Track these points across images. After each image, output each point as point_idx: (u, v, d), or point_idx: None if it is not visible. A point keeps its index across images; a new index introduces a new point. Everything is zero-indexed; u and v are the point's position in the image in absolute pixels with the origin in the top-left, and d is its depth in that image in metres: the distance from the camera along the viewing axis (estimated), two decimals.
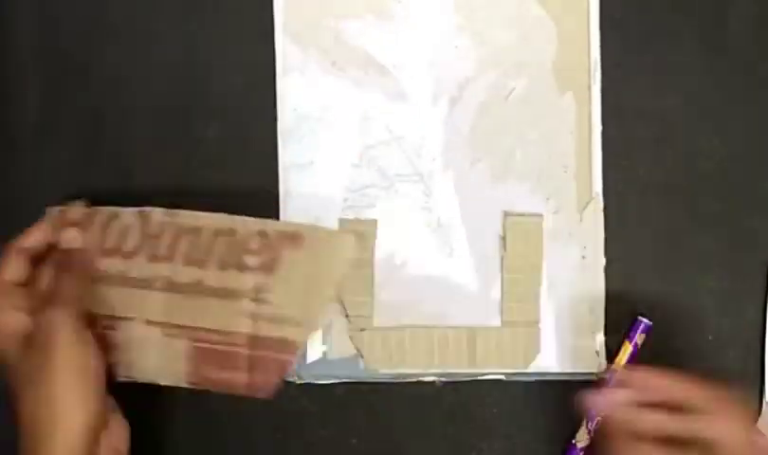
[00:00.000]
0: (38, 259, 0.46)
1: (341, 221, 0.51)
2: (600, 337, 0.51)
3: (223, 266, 0.46)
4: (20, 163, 0.51)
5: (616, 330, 0.51)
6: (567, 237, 0.51)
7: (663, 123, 0.52)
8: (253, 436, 0.51)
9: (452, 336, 0.51)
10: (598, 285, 0.51)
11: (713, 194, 0.52)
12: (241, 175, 0.51)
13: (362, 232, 0.51)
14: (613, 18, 0.52)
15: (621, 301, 0.51)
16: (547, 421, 0.52)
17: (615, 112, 0.52)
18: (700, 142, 0.52)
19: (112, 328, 0.47)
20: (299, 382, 0.51)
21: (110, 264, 0.47)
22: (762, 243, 0.52)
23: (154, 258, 0.47)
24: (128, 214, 0.48)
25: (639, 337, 0.51)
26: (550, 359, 0.51)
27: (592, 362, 0.51)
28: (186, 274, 0.47)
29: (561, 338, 0.51)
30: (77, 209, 0.48)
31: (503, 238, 0.51)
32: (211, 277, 0.46)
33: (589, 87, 0.51)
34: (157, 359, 0.47)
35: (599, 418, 0.51)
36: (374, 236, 0.51)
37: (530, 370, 0.51)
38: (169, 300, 0.47)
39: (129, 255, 0.47)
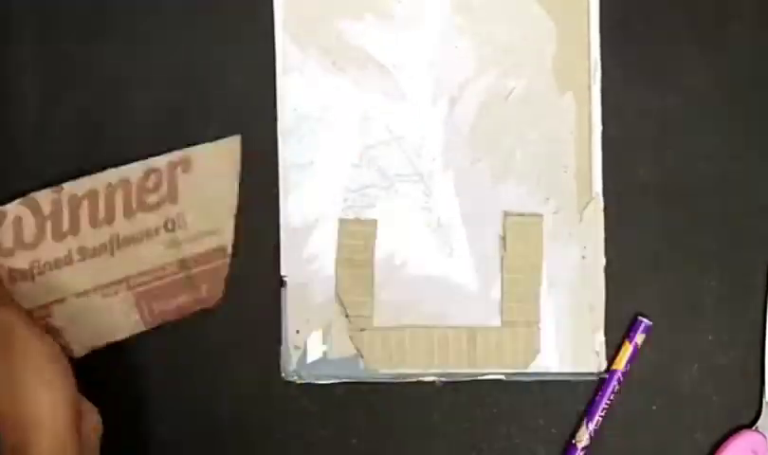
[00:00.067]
0: None
1: (341, 221, 0.51)
2: (600, 337, 0.51)
3: (129, 214, 0.49)
4: (20, 163, 0.51)
5: (616, 330, 0.51)
6: (567, 237, 0.51)
7: (663, 123, 0.52)
8: (253, 436, 0.51)
9: (452, 336, 0.51)
10: (598, 285, 0.51)
11: (713, 194, 0.52)
12: (241, 175, 0.51)
13: (362, 232, 0.51)
14: (613, 18, 0.52)
15: (621, 301, 0.51)
16: (547, 421, 0.52)
17: (615, 112, 0.52)
18: (700, 142, 0.52)
19: (48, 315, 0.48)
20: (299, 382, 0.51)
21: (16, 261, 0.48)
22: (762, 243, 0.52)
23: (60, 236, 0.48)
24: (13, 208, 0.48)
25: (639, 337, 0.51)
26: (550, 359, 0.51)
27: (592, 362, 0.51)
28: (97, 236, 0.49)
29: (561, 338, 0.51)
30: None
31: (503, 238, 0.51)
32: (123, 228, 0.49)
33: (589, 87, 0.51)
34: (107, 321, 0.49)
35: (599, 418, 0.51)
36: (374, 236, 0.51)
37: (530, 370, 0.51)
38: (92, 266, 0.48)
39: (32, 245, 0.48)
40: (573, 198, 0.51)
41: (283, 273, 0.51)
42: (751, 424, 0.52)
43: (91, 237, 0.49)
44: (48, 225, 0.48)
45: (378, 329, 0.51)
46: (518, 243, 0.51)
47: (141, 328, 0.49)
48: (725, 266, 0.52)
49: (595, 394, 0.51)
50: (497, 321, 0.51)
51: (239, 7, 0.51)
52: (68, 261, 0.48)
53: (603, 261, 0.51)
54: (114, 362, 0.50)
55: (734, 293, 0.52)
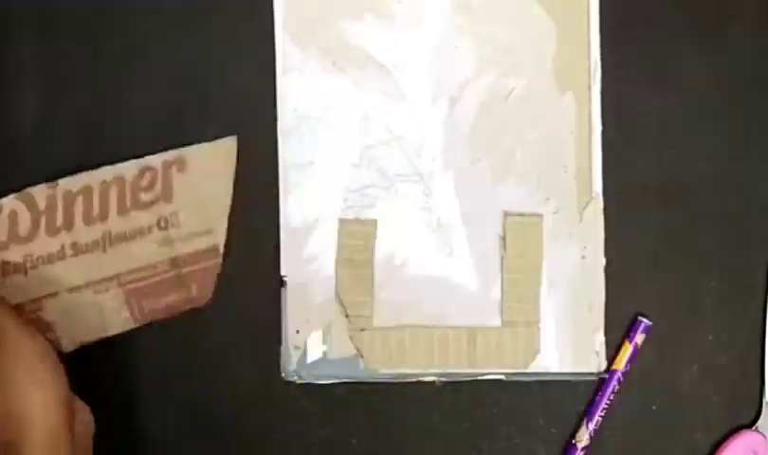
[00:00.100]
0: None
1: (341, 221, 0.51)
2: (600, 337, 0.51)
3: (123, 212, 0.49)
4: (20, 163, 0.51)
5: (616, 330, 0.51)
6: (567, 237, 0.51)
7: (663, 123, 0.52)
8: (253, 436, 0.51)
9: (452, 337, 0.51)
10: (598, 285, 0.51)
11: (713, 194, 0.52)
12: (241, 175, 0.51)
13: (362, 232, 0.51)
14: (613, 18, 0.52)
15: (621, 301, 0.51)
16: (547, 421, 0.52)
17: (615, 112, 0.52)
18: (700, 142, 0.52)
19: (39, 309, 0.48)
20: (299, 382, 0.51)
21: (10, 254, 0.48)
22: (762, 243, 0.52)
23: (54, 231, 0.48)
24: (8, 202, 0.49)
25: (639, 337, 0.51)
26: (550, 359, 0.51)
27: (592, 362, 0.51)
28: (90, 233, 0.49)
29: (561, 338, 0.51)
30: None
31: (503, 238, 0.51)
32: (116, 225, 0.49)
33: (589, 87, 0.51)
34: (97, 317, 0.49)
35: (599, 418, 0.51)
36: (375, 236, 0.51)
37: (530, 370, 0.51)
38: (84, 262, 0.49)
39: (26, 239, 0.48)
40: (573, 198, 0.51)
41: (282, 273, 0.51)
42: (751, 424, 0.52)
43: (84, 233, 0.49)
44: (43, 219, 0.48)
45: (378, 329, 0.51)
46: (518, 243, 0.51)
47: (131, 325, 0.49)
48: (725, 266, 0.52)
49: (595, 394, 0.51)
50: (497, 321, 0.51)
51: (239, 7, 0.51)
52: (61, 256, 0.48)
53: (603, 261, 0.51)
54: (110, 360, 0.50)
55: (734, 293, 0.52)
